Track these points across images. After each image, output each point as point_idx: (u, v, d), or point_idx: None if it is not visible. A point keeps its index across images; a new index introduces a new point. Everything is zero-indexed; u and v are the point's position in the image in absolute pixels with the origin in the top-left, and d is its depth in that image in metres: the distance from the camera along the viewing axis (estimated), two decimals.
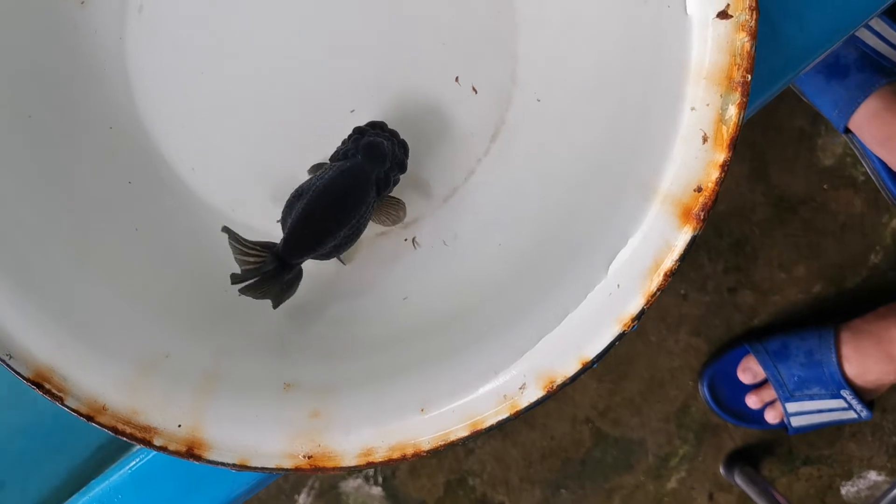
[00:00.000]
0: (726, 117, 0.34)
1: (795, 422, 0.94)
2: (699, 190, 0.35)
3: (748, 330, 0.97)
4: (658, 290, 0.35)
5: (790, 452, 0.98)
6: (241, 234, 0.38)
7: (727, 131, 0.34)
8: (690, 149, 0.35)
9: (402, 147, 0.40)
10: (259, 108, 0.42)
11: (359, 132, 0.39)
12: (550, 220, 0.39)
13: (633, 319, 0.35)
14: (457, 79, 0.42)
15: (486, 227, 0.41)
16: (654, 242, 0.35)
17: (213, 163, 0.42)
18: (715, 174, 0.34)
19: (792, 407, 0.93)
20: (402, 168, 0.40)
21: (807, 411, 0.93)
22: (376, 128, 0.39)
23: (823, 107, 0.90)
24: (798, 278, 0.96)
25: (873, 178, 0.95)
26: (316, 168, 0.41)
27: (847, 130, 0.90)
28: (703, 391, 0.98)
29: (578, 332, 0.36)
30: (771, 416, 0.96)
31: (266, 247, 0.37)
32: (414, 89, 0.42)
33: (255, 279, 0.37)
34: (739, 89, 0.34)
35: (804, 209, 0.96)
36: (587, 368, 0.35)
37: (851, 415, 0.92)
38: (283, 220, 0.38)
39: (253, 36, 0.42)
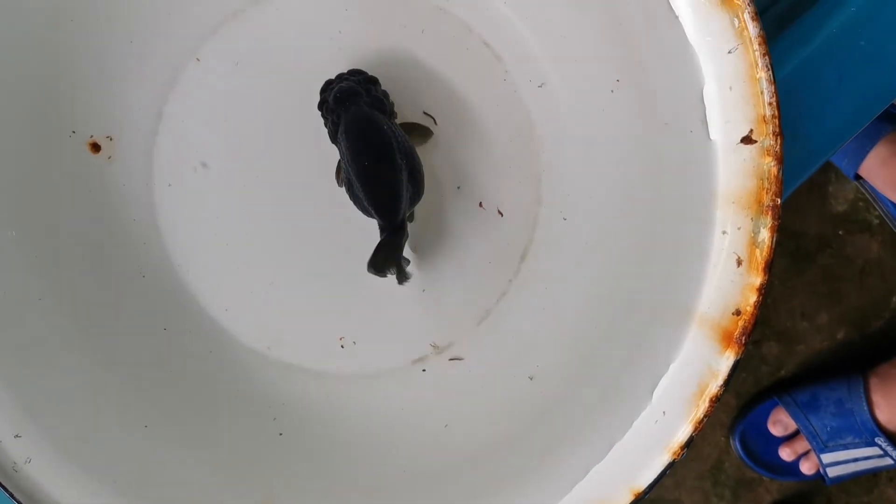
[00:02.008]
0: (759, 240, 0.34)
1: (832, 472, 0.93)
2: (738, 313, 0.35)
3: (776, 381, 0.97)
4: (705, 416, 0.35)
5: (829, 502, 0.97)
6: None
7: (761, 254, 0.34)
8: (725, 272, 0.35)
9: (353, 73, 0.40)
10: (289, 248, 0.42)
11: (322, 103, 0.39)
12: (587, 343, 0.39)
13: (682, 447, 0.35)
14: (480, 204, 0.42)
15: (522, 350, 0.41)
16: (696, 367, 0.35)
17: (246, 303, 0.42)
18: (752, 297, 0.34)
19: (827, 458, 0.92)
20: (373, 81, 0.40)
21: (842, 461, 0.92)
22: (327, 90, 0.39)
23: (832, 156, 0.90)
24: (821, 326, 0.96)
25: (888, 220, 0.95)
26: (337, 171, 0.41)
27: (857, 177, 0.90)
28: (736, 446, 0.97)
29: (627, 462, 0.35)
30: (806, 467, 0.94)
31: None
32: (440, 216, 0.42)
33: (387, 259, 0.39)
34: (770, 213, 0.34)
35: (821, 256, 0.95)
36: (640, 499, 0.35)
37: (888, 461, 0.91)
38: (364, 208, 0.39)
39: (279, 180, 0.42)
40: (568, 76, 0.41)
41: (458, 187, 0.42)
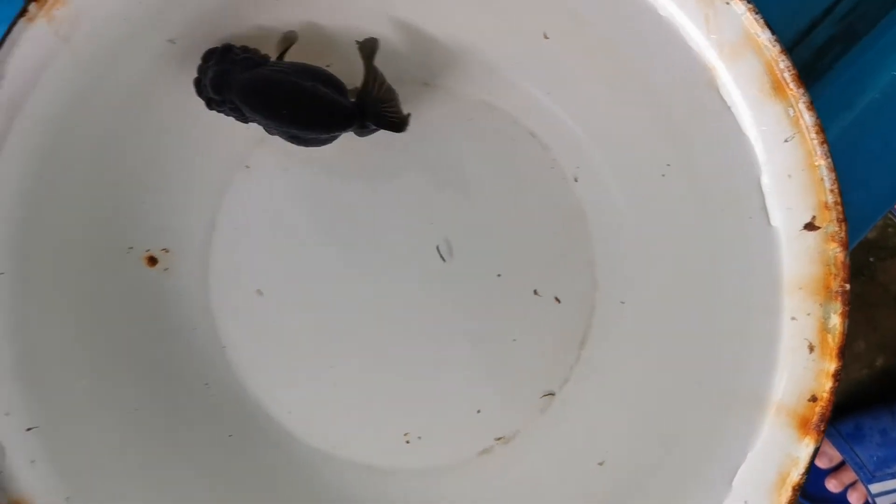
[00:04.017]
0: (829, 326, 0.34)
1: (882, 502, 0.92)
2: (814, 400, 0.34)
3: None
4: None
5: None
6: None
7: (833, 340, 0.34)
8: (798, 359, 0.35)
9: (206, 58, 0.38)
10: (350, 349, 0.42)
11: (209, 102, 0.38)
12: (657, 429, 0.39)
13: None
14: (535, 291, 0.42)
15: (589, 437, 0.41)
16: (775, 456, 0.35)
17: (310, 405, 0.42)
18: (828, 384, 0.34)
19: (876, 488, 0.91)
20: (227, 49, 0.38)
21: (891, 490, 0.91)
22: (201, 90, 0.38)
23: None
24: (859, 354, 0.95)
25: None
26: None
27: None
28: None
29: None
30: (855, 498, 0.93)
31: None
32: (495, 305, 0.42)
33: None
34: (839, 298, 0.34)
35: (854, 284, 0.95)
36: None
37: None
38: (324, 126, 0.37)
39: (334, 282, 0.42)
40: (616, 162, 0.41)
41: (499, 275, 0.42)
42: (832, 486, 0.94)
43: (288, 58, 0.39)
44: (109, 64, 0.36)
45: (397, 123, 0.37)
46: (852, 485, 0.93)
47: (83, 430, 0.38)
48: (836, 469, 0.94)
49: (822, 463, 0.94)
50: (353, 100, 0.38)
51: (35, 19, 0.34)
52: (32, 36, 0.34)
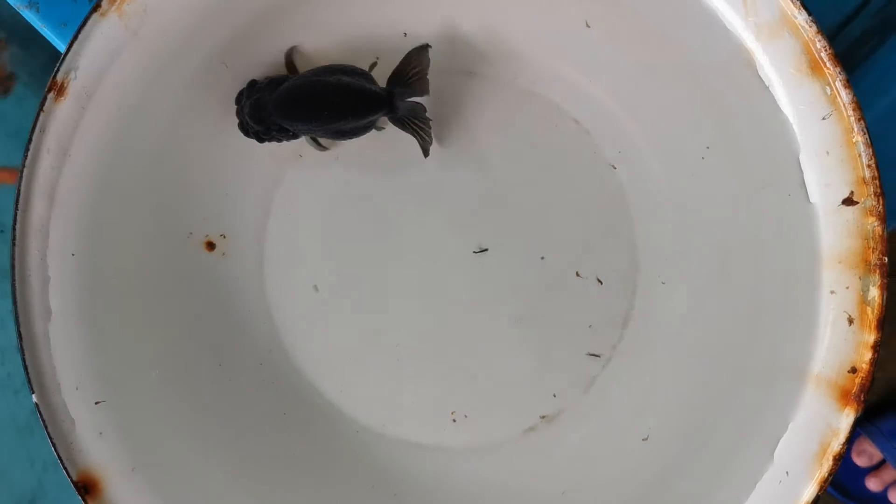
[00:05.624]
0: (869, 298, 0.35)
1: None
2: (854, 371, 0.35)
3: None
4: (829, 474, 0.35)
5: None
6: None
7: (872, 312, 0.35)
8: (837, 331, 0.36)
9: (238, 100, 0.41)
10: (399, 329, 0.44)
11: (256, 134, 0.41)
12: (700, 404, 0.40)
13: None
14: (578, 273, 0.44)
15: (632, 414, 0.42)
16: (816, 426, 0.36)
17: (360, 384, 0.44)
18: (868, 355, 0.35)
19: None
20: (251, 86, 0.41)
21: None
22: (247, 129, 0.41)
23: None
24: None
25: None
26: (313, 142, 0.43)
27: None
28: None
29: None
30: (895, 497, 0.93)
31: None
32: (538, 288, 0.44)
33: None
34: (878, 271, 0.35)
35: (891, 282, 0.94)
36: None
37: None
38: (363, 113, 0.40)
39: (383, 264, 0.44)
40: (657, 146, 0.42)
41: (542, 258, 0.43)
42: (873, 484, 0.93)
43: (329, 61, 0.41)
44: (174, 56, 0.39)
45: (418, 89, 0.40)
46: (893, 483, 0.92)
47: (147, 404, 0.40)
48: (877, 468, 0.93)
49: (862, 461, 0.93)
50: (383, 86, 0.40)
51: (107, 14, 0.36)
52: (104, 29, 0.36)
